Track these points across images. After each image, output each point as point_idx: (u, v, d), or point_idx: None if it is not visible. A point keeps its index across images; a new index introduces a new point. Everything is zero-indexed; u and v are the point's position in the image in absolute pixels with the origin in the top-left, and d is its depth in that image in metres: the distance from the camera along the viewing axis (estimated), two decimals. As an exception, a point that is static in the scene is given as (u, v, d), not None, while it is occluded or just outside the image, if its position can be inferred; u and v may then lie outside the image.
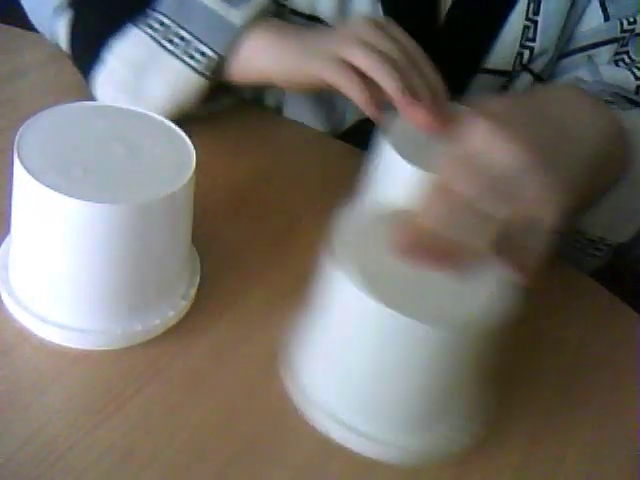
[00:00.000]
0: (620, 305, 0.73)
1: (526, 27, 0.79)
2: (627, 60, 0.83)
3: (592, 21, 0.81)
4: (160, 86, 0.70)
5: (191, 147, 0.57)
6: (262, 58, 0.68)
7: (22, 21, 0.80)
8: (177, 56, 0.69)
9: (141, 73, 0.70)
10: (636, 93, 0.81)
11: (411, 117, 0.61)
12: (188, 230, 0.59)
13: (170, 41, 0.69)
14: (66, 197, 0.50)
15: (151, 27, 0.69)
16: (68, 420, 0.52)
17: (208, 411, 0.55)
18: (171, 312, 0.59)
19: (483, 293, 0.51)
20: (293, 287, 0.61)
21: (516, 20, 0.78)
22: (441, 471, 0.56)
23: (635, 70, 0.81)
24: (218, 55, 0.68)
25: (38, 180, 0.50)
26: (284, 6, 0.78)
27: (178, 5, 0.69)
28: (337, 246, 0.52)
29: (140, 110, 0.59)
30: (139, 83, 0.70)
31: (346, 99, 0.65)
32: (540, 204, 0.51)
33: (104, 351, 0.57)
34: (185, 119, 0.64)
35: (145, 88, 0.70)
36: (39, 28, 0.81)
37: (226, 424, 0.55)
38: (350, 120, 0.85)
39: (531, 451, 0.59)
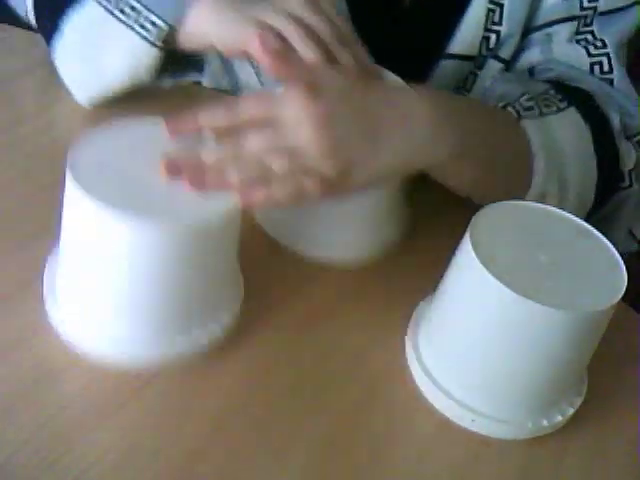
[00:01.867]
0: (620, 305, 0.73)
1: (490, 10, 0.78)
2: (590, 39, 0.81)
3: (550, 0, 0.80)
4: (116, 56, 0.71)
5: None
6: (204, 25, 0.69)
7: (21, 21, 0.80)
8: (129, 26, 0.70)
9: (96, 43, 0.71)
10: (591, 71, 0.80)
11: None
12: (235, 251, 0.59)
13: (122, 11, 0.70)
14: (118, 215, 0.50)
15: None
16: (68, 420, 0.52)
17: (208, 411, 0.55)
18: (217, 328, 0.58)
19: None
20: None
21: (479, 3, 0.78)
22: (443, 471, 0.56)
23: (590, 47, 0.80)
24: (168, 25, 0.69)
25: (91, 196, 0.50)
26: None
27: None
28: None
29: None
30: (96, 54, 0.71)
31: None
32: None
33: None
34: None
35: (102, 58, 0.71)
36: (18, 11, 0.81)
37: (227, 423, 0.55)
38: None
39: (531, 451, 0.59)
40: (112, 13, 0.70)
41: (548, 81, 0.77)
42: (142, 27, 0.69)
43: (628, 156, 0.77)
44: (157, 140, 0.56)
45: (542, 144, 0.69)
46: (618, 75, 0.80)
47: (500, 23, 0.79)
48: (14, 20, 0.82)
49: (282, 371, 0.59)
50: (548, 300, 0.52)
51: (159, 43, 0.70)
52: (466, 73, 0.83)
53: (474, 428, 0.58)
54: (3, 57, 0.82)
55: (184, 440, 0.53)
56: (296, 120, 0.55)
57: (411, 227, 0.71)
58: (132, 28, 0.70)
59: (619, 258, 0.58)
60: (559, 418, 0.60)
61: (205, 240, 0.53)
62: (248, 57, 0.64)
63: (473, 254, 0.54)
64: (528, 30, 0.82)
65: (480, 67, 0.82)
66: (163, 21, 0.69)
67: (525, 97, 0.71)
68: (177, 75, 0.78)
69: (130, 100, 0.75)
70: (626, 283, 0.56)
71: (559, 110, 0.72)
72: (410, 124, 0.59)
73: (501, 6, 0.78)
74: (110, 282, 0.54)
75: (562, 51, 0.80)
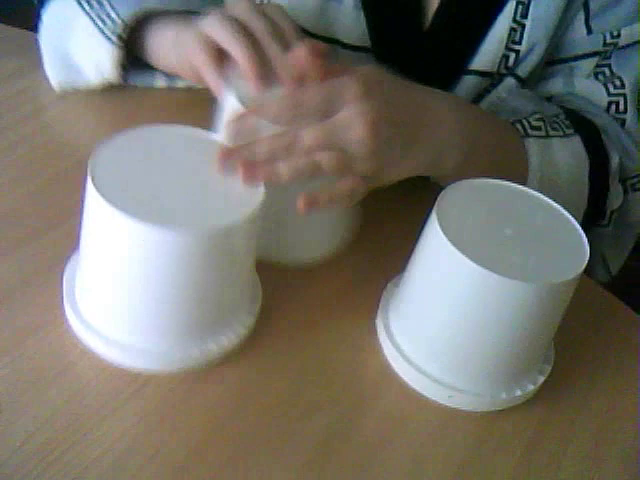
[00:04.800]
0: (620, 305, 0.73)
1: (513, 29, 0.79)
2: (607, 73, 0.82)
3: (575, 34, 0.81)
4: (80, 46, 0.73)
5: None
6: (159, 54, 0.72)
7: (22, 21, 0.80)
8: (91, 17, 0.72)
9: (66, 33, 0.73)
10: (607, 109, 0.82)
11: (257, 89, 0.60)
12: (252, 258, 0.59)
13: (89, 3, 0.72)
14: (137, 221, 0.50)
15: None
16: (68, 419, 0.52)
17: (208, 410, 0.55)
18: (233, 337, 0.59)
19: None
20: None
21: (503, 22, 0.78)
22: (443, 471, 0.56)
23: (610, 86, 0.81)
24: (122, 22, 0.70)
25: (111, 204, 0.50)
26: None
27: None
28: None
29: (203, 133, 0.58)
30: (65, 42, 0.73)
31: None
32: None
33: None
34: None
35: (69, 48, 0.73)
36: None
37: (226, 423, 0.55)
38: None
39: (531, 451, 0.59)
40: (79, 3, 0.72)
41: (562, 107, 0.79)
42: (102, 21, 0.71)
43: (616, 197, 0.79)
44: (175, 146, 0.57)
45: (539, 165, 0.71)
46: (631, 117, 0.82)
47: (520, 43, 0.80)
48: (11, 20, 0.82)
49: (275, 370, 0.59)
50: (515, 273, 0.53)
51: (114, 39, 0.71)
52: (483, 89, 0.83)
53: (451, 404, 0.59)
54: (3, 57, 0.83)
55: (184, 440, 0.53)
56: (349, 120, 0.56)
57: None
58: (93, 20, 0.71)
59: (581, 231, 0.59)
60: (531, 387, 0.61)
61: (223, 246, 0.53)
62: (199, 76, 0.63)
63: (439, 230, 0.55)
64: (552, 60, 0.83)
65: (496, 84, 0.83)
66: (119, 17, 0.70)
67: (536, 116, 0.74)
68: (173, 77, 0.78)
69: (138, 105, 0.76)
70: (588, 255, 0.57)
71: (565, 135, 0.74)
72: (440, 131, 0.62)
73: (523, 26, 0.79)
74: (128, 289, 0.54)
75: (583, 86, 0.82)
